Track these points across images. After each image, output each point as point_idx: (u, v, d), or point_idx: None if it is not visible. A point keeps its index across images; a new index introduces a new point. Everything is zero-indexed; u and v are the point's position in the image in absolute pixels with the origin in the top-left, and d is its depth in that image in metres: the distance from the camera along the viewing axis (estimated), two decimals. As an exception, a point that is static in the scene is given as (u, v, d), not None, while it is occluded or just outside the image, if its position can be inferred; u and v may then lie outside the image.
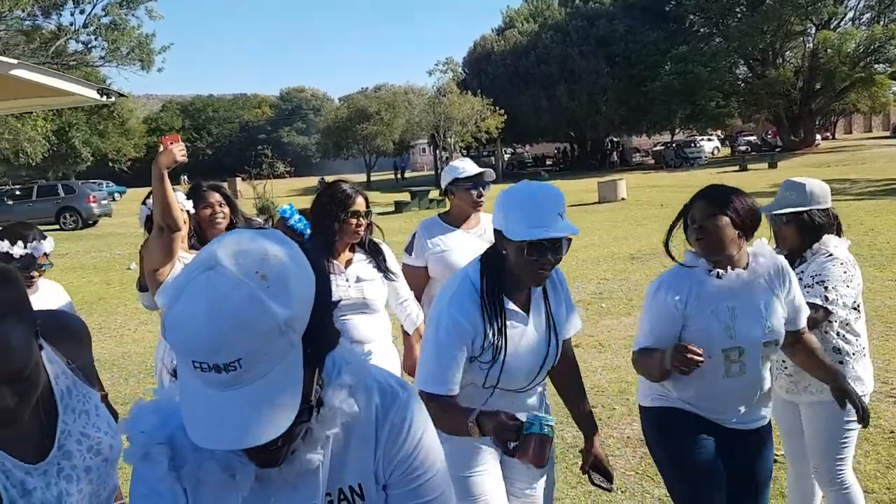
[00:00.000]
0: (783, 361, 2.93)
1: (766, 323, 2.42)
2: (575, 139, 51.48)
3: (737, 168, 33.40)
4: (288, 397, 1.06)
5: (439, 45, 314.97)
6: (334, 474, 1.29)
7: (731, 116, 47.31)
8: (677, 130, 50.71)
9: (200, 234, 3.52)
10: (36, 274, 3.12)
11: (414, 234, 3.84)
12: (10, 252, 2.98)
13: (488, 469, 2.34)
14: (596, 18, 46.10)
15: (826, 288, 2.83)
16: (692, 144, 44.21)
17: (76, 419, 1.65)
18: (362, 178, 46.32)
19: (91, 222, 26.69)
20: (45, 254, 3.12)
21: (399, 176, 51.98)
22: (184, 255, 3.32)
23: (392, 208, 26.09)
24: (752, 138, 51.69)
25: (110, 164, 45.15)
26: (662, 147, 47.98)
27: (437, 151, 39.37)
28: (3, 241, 3.00)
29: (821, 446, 2.93)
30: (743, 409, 2.52)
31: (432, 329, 2.22)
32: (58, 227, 25.12)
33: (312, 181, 50.02)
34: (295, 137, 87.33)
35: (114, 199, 35.83)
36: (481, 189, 3.73)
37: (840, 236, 3.03)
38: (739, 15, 44.54)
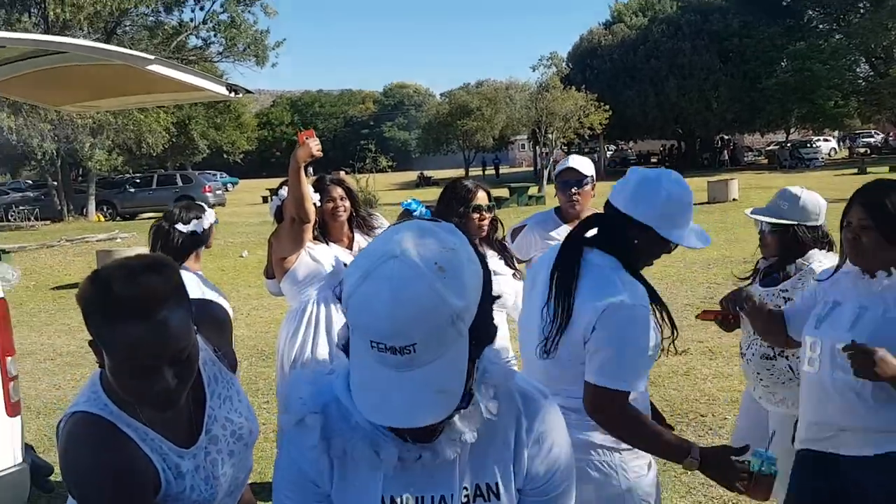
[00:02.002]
0: (758, 374, 2.97)
1: (853, 330, 2.22)
2: (683, 136, 49.91)
3: (855, 171, 31.41)
4: (453, 384, 1.12)
5: (543, 38, 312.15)
6: (474, 469, 1.31)
7: (850, 116, 44.65)
8: (792, 130, 48.39)
9: (322, 226, 3.62)
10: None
11: (524, 226, 3.71)
12: (196, 228, 3.23)
13: None
14: (710, 13, 44.52)
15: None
16: (808, 144, 42.13)
17: (221, 405, 1.70)
18: (461, 173, 46.54)
19: (206, 211, 27.98)
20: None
21: (489, 172, 51.70)
22: (310, 246, 3.44)
23: (491, 204, 26.05)
24: (871, 140, 48.77)
25: (225, 155, 47.08)
26: (777, 147, 45.97)
27: (538, 147, 38.95)
28: (193, 219, 3.22)
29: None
30: (834, 427, 2.31)
31: (612, 326, 1.97)
32: (176, 215, 26.51)
33: (412, 175, 50.57)
34: (396, 132, 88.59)
35: (227, 190, 37.45)
36: (573, 187, 3.46)
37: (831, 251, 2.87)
38: (862, 10, 41.79)
